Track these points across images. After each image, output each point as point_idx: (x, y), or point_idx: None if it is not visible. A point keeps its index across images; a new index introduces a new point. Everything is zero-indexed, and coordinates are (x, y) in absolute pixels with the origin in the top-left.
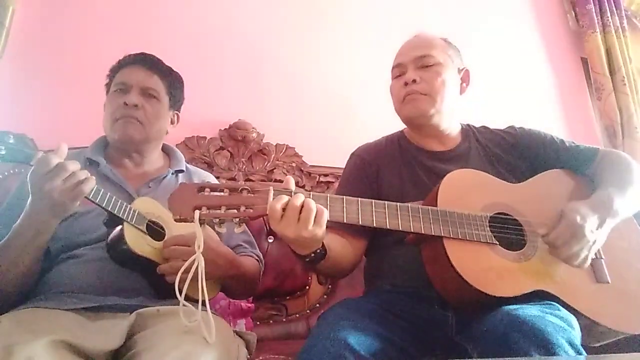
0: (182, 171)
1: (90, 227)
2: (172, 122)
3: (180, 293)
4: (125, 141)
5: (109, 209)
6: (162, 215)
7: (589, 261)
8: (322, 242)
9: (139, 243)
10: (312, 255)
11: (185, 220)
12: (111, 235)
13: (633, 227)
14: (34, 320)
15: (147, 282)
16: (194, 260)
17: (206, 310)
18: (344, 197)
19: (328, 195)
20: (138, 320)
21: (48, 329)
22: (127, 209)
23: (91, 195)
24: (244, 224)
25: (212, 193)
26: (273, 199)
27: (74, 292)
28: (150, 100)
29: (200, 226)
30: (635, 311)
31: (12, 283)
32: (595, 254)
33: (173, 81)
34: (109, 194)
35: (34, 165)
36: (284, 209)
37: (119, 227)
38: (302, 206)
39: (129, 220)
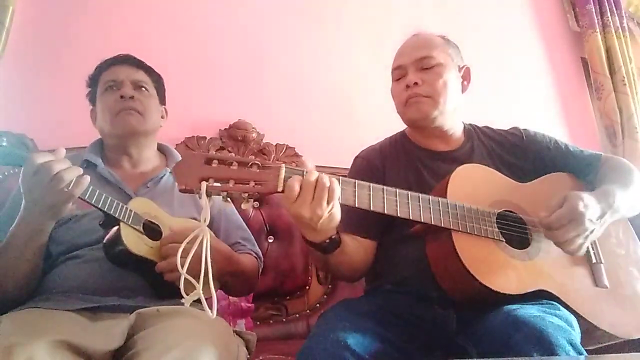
0: None
1: (90, 228)
2: (162, 117)
3: (183, 267)
4: (127, 133)
5: (105, 209)
6: (158, 215)
7: (582, 250)
8: (337, 230)
9: (136, 243)
10: (327, 241)
11: (190, 191)
12: (107, 236)
13: (630, 235)
14: (34, 320)
15: (146, 282)
16: (197, 236)
17: (208, 285)
18: (356, 181)
19: (340, 177)
20: (138, 320)
21: (48, 329)
22: (123, 209)
23: (86, 197)
24: (251, 201)
25: (220, 165)
26: (285, 176)
27: (74, 292)
28: (143, 93)
29: (207, 198)
30: (632, 316)
31: (14, 284)
32: (596, 258)
33: (157, 76)
34: (104, 195)
35: (23, 168)
36: (300, 188)
37: (115, 228)
38: (317, 182)
39: (125, 220)
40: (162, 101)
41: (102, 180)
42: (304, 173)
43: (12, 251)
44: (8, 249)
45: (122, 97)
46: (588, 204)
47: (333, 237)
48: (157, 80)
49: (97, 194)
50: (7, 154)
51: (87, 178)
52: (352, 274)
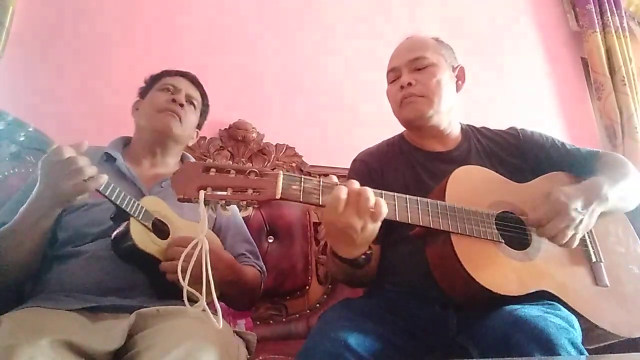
0: None
1: (98, 219)
2: (193, 137)
3: (184, 279)
4: (162, 131)
5: (118, 203)
6: (168, 215)
7: (576, 242)
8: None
9: (144, 240)
10: (363, 257)
11: (189, 200)
12: (117, 230)
13: (630, 233)
14: (35, 320)
15: (148, 279)
16: (197, 244)
17: (211, 296)
18: None
19: (338, 183)
20: (138, 321)
21: (49, 329)
22: (135, 205)
23: (101, 188)
24: (250, 208)
25: (218, 174)
26: (284, 184)
27: (74, 292)
28: (191, 107)
29: (205, 207)
30: (633, 315)
31: (15, 267)
32: (596, 257)
33: (207, 102)
34: (118, 188)
35: (48, 154)
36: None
37: (125, 223)
38: (360, 192)
39: (136, 215)
40: (200, 125)
41: (118, 174)
42: (303, 180)
43: (17, 233)
44: (15, 229)
45: (174, 100)
46: (570, 195)
47: (368, 251)
48: (205, 105)
49: (111, 187)
50: (34, 139)
51: (105, 177)
52: (369, 281)
